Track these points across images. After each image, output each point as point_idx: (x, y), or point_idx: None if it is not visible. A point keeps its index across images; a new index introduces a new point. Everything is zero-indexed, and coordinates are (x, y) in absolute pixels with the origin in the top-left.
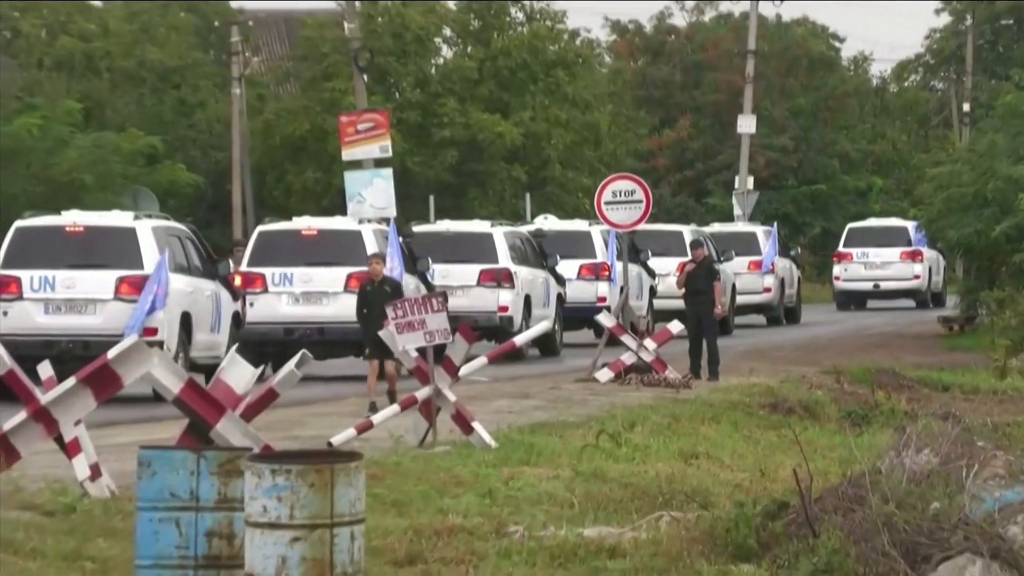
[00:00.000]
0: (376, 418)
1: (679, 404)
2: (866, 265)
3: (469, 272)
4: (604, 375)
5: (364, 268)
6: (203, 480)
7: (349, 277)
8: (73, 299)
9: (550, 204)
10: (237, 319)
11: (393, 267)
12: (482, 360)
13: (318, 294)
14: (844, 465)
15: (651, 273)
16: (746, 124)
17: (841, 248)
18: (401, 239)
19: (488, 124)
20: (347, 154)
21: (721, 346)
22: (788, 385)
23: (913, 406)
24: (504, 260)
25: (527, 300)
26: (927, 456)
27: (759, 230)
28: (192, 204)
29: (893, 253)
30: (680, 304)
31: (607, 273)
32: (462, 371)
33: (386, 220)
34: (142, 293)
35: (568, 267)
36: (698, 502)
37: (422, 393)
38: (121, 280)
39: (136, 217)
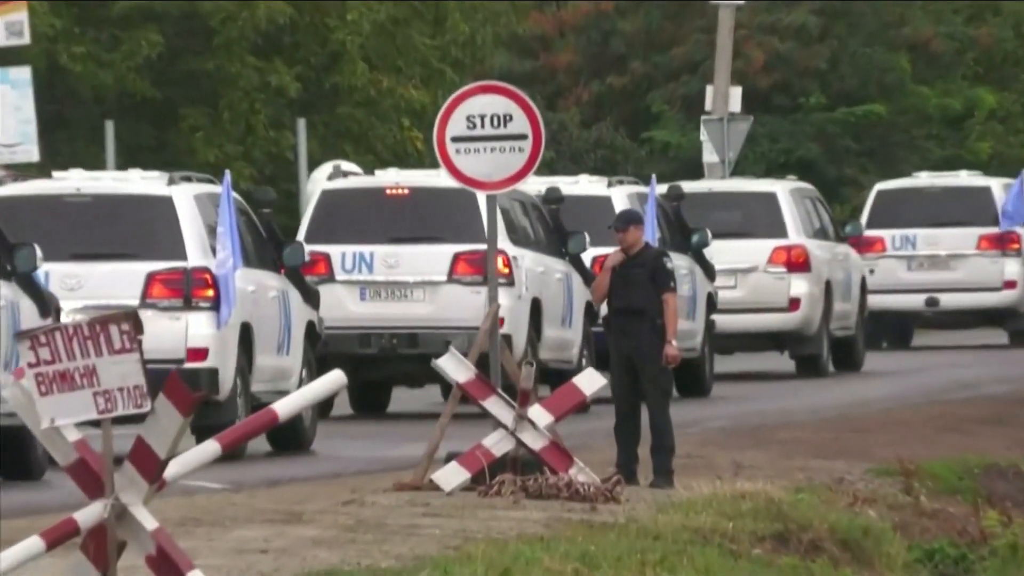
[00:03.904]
0: (2, 561)
1: (596, 534)
2: None
3: (435, 259)
4: (451, 476)
5: (178, 263)
6: None
7: (151, 279)
8: None
9: (345, 139)
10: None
11: (226, 259)
12: (211, 447)
13: (97, 308)
14: None
15: (710, 271)
16: None
17: None
18: (245, 208)
19: None
20: None
21: (682, 419)
22: (810, 497)
23: None
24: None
25: (535, 308)
26: None
27: (995, 184)
28: None
29: None
30: (768, 323)
31: None
32: (171, 470)
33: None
34: None
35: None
36: None
37: (88, 515)
38: None
39: None
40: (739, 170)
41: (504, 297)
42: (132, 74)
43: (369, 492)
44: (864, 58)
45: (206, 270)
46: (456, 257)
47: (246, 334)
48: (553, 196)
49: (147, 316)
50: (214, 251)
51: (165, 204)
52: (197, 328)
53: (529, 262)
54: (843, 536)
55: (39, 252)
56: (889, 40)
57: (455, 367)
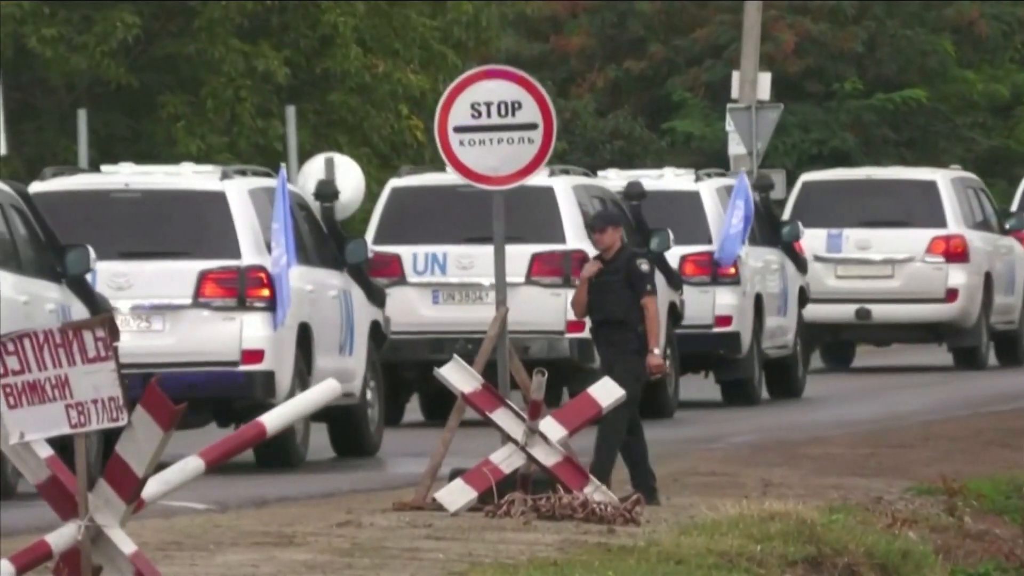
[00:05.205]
0: None
1: (615, 558)
2: None
3: (512, 259)
4: (456, 495)
5: (232, 262)
6: None
7: (203, 277)
8: None
9: (338, 128)
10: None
11: (280, 257)
12: (193, 464)
13: (147, 309)
14: None
15: (801, 264)
16: None
17: None
18: (305, 203)
19: None
20: None
21: (707, 434)
22: (845, 518)
23: None
24: (576, 236)
25: None
26: None
27: None
28: None
29: None
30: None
31: (733, 269)
32: (150, 489)
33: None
34: None
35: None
36: None
37: (61, 537)
38: None
39: None
40: (768, 163)
41: None
42: (106, 59)
43: (366, 512)
44: (904, 40)
45: (261, 268)
46: (534, 258)
47: (304, 335)
48: (634, 191)
49: (200, 317)
50: (270, 248)
51: (218, 199)
52: (252, 329)
53: None
54: (881, 560)
55: (92, 253)
56: (931, 21)
57: (460, 377)
